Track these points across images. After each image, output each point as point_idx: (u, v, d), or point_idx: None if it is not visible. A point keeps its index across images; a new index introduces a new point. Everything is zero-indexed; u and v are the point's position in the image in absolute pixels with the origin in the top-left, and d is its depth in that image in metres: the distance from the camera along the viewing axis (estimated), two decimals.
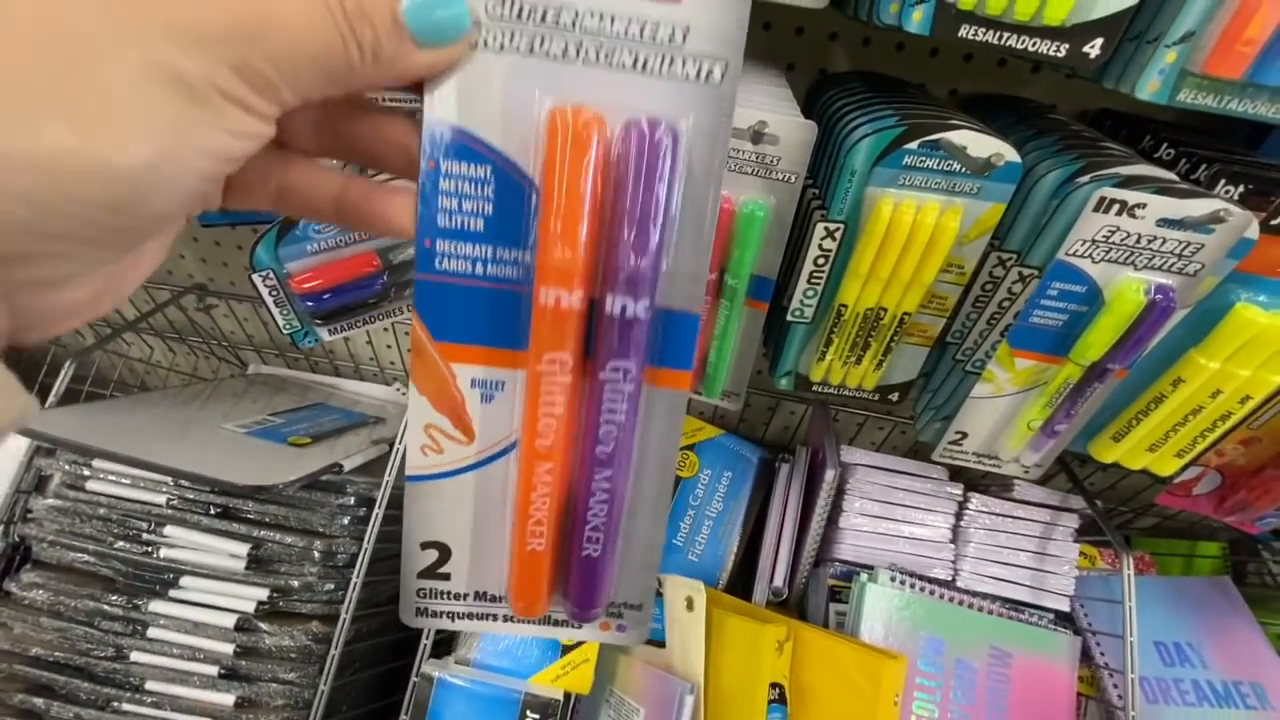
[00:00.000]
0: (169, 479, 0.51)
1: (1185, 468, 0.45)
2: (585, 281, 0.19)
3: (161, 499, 0.51)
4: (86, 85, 0.13)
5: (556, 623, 0.24)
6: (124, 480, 0.51)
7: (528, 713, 0.47)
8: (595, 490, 0.21)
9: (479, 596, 0.23)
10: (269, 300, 0.48)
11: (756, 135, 0.34)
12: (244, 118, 0.15)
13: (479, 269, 0.20)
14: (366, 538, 0.51)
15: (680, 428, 0.22)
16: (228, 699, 0.49)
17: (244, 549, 0.50)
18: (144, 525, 0.51)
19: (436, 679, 0.47)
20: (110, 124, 0.13)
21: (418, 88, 0.18)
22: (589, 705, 0.54)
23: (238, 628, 0.49)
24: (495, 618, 0.24)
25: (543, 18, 0.18)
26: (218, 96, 0.14)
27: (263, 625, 0.50)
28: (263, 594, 0.50)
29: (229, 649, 0.49)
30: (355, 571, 0.51)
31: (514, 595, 0.23)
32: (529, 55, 0.18)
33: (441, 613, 0.23)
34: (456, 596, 0.23)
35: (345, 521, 0.52)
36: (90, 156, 0.13)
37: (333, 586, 0.51)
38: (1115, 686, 0.55)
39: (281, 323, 0.49)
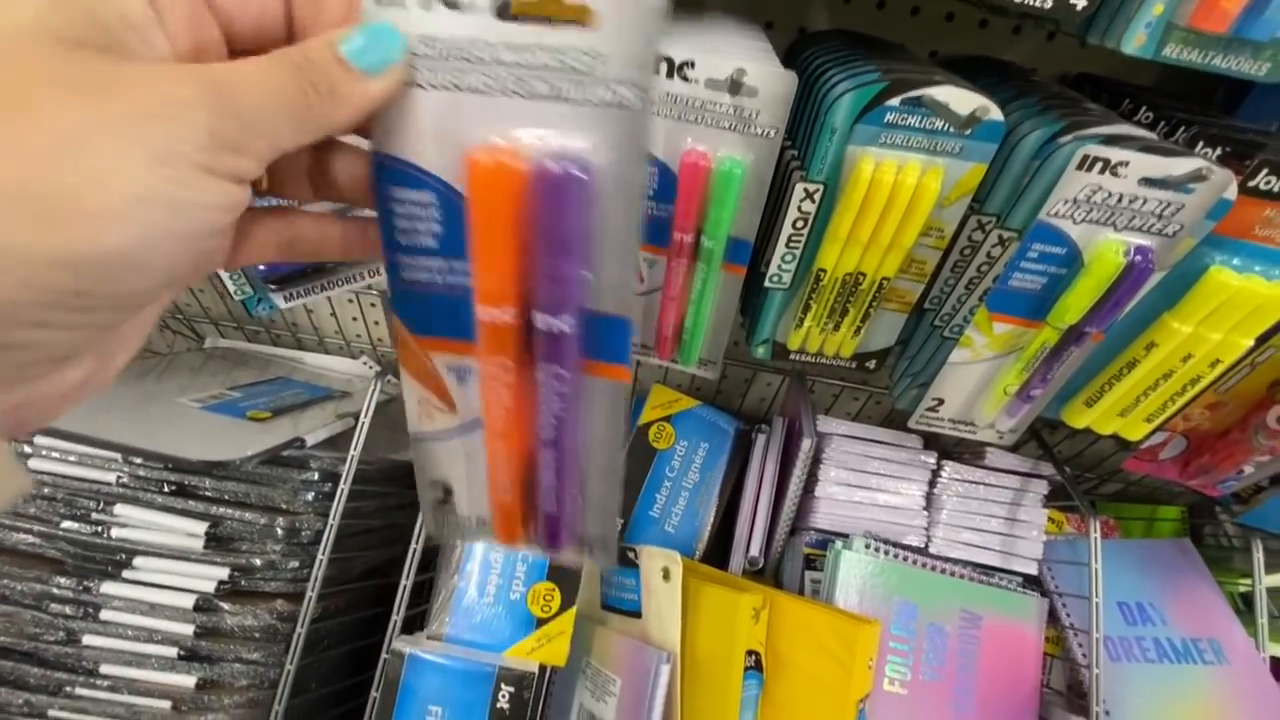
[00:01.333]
0: (118, 456, 0.49)
1: (1154, 432, 0.45)
2: (517, 299, 0.21)
3: (111, 477, 0.49)
4: (56, 179, 0.13)
5: (533, 545, 0.28)
6: (70, 458, 0.49)
7: (502, 686, 0.46)
8: (544, 465, 0.25)
9: (479, 522, 0.28)
10: None
11: (735, 85, 0.32)
12: (217, 187, 0.16)
13: (438, 279, 0.22)
14: (332, 514, 0.50)
15: (622, 409, 0.24)
16: (188, 680, 0.47)
17: (201, 527, 0.48)
18: (93, 505, 0.48)
19: (407, 655, 0.46)
20: (79, 216, 0.14)
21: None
22: (566, 677, 0.53)
23: (197, 608, 0.48)
24: (493, 537, 0.28)
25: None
26: (192, 171, 0.15)
27: (224, 605, 0.48)
28: (223, 573, 0.48)
29: (188, 630, 0.47)
30: (321, 548, 0.49)
31: (496, 531, 0.27)
32: (455, 91, 0.19)
33: (454, 531, 0.28)
34: (462, 518, 0.28)
35: (309, 497, 0.50)
36: (57, 249, 0.13)
37: (297, 564, 0.50)
38: (1080, 646, 0.56)
39: (233, 288, 0.46)
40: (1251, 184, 0.34)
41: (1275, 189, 0.34)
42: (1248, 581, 0.57)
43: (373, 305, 0.72)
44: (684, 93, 0.34)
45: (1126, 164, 0.31)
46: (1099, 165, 0.31)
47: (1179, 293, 0.38)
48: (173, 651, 0.48)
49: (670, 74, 0.33)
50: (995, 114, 0.32)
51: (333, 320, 0.74)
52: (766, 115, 0.34)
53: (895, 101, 0.34)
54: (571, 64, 0.19)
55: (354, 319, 0.74)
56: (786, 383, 0.72)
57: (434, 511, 0.28)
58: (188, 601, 0.48)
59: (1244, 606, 0.61)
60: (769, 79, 0.33)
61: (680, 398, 0.65)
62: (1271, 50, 0.30)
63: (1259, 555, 0.57)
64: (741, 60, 0.32)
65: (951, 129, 0.34)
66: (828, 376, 0.70)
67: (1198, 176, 0.30)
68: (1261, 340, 0.40)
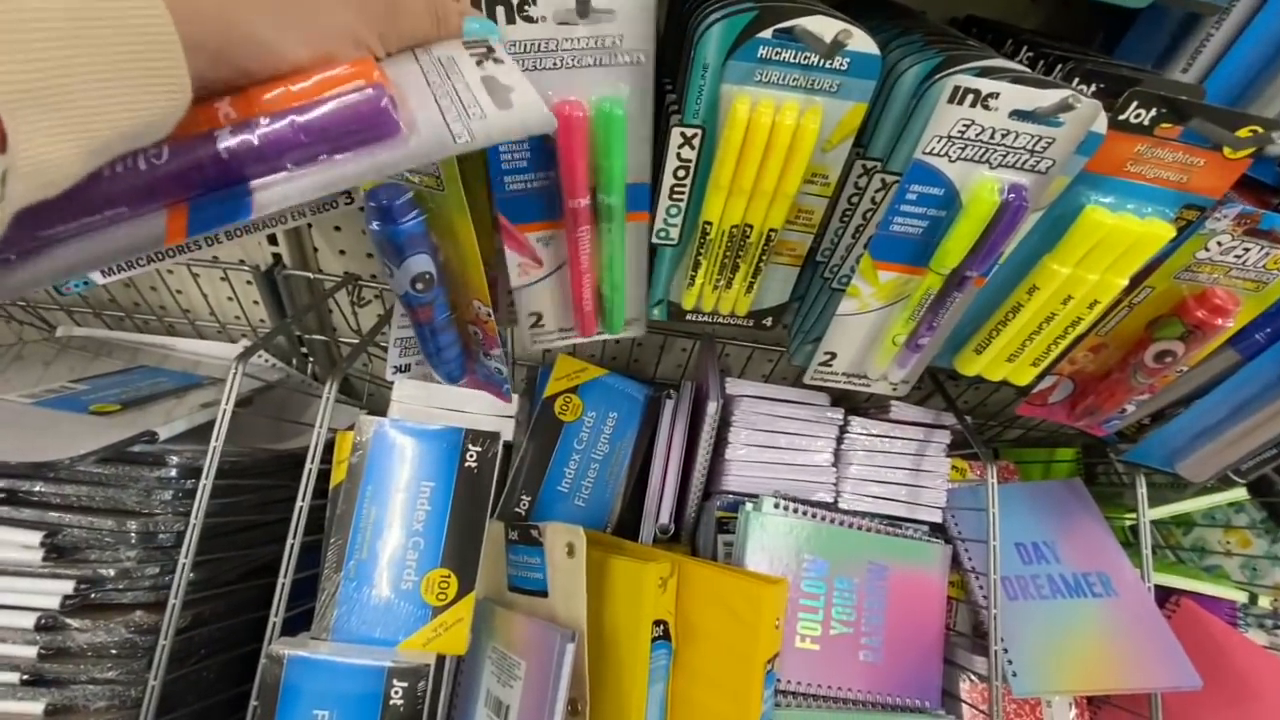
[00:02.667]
0: None
1: (1041, 376, 0.46)
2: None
3: None
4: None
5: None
6: None
7: (394, 681, 0.43)
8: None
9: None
10: None
11: (583, 7, 0.29)
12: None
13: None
14: (194, 513, 0.45)
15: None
16: (35, 708, 0.42)
17: (35, 538, 0.42)
18: None
19: (286, 657, 0.43)
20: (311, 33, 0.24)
21: None
22: (471, 664, 0.51)
23: (39, 627, 0.42)
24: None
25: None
26: (363, 49, 0.25)
27: (71, 622, 0.43)
28: (68, 587, 0.43)
29: (30, 653, 0.42)
30: (182, 551, 0.44)
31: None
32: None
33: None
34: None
35: (166, 496, 0.45)
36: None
37: (157, 570, 0.45)
38: (981, 588, 0.58)
39: None
40: (1121, 118, 0.33)
41: (1145, 122, 0.33)
42: (1134, 515, 0.60)
43: (247, 283, 0.66)
44: (530, 36, 0.31)
45: (997, 95, 0.29)
46: (970, 97, 0.30)
47: (1057, 235, 0.38)
48: (14, 677, 0.42)
49: (511, 18, 0.30)
50: (862, 41, 0.30)
51: (204, 302, 0.67)
52: (631, 39, 0.31)
53: (767, 34, 0.32)
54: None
55: (229, 299, 0.68)
56: (696, 347, 0.70)
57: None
58: (28, 621, 0.42)
59: (1132, 539, 0.64)
60: None
61: (587, 367, 0.63)
62: None
63: (1142, 490, 0.59)
64: None
65: (827, 65, 0.32)
66: (730, 338, 0.69)
67: (1065, 106, 0.29)
68: (1137, 281, 0.41)
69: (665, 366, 0.76)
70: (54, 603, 0.43)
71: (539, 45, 0.31)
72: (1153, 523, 0.71)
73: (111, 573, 0.44)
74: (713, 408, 0.54)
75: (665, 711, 0.47)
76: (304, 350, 0.71)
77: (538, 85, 0.32)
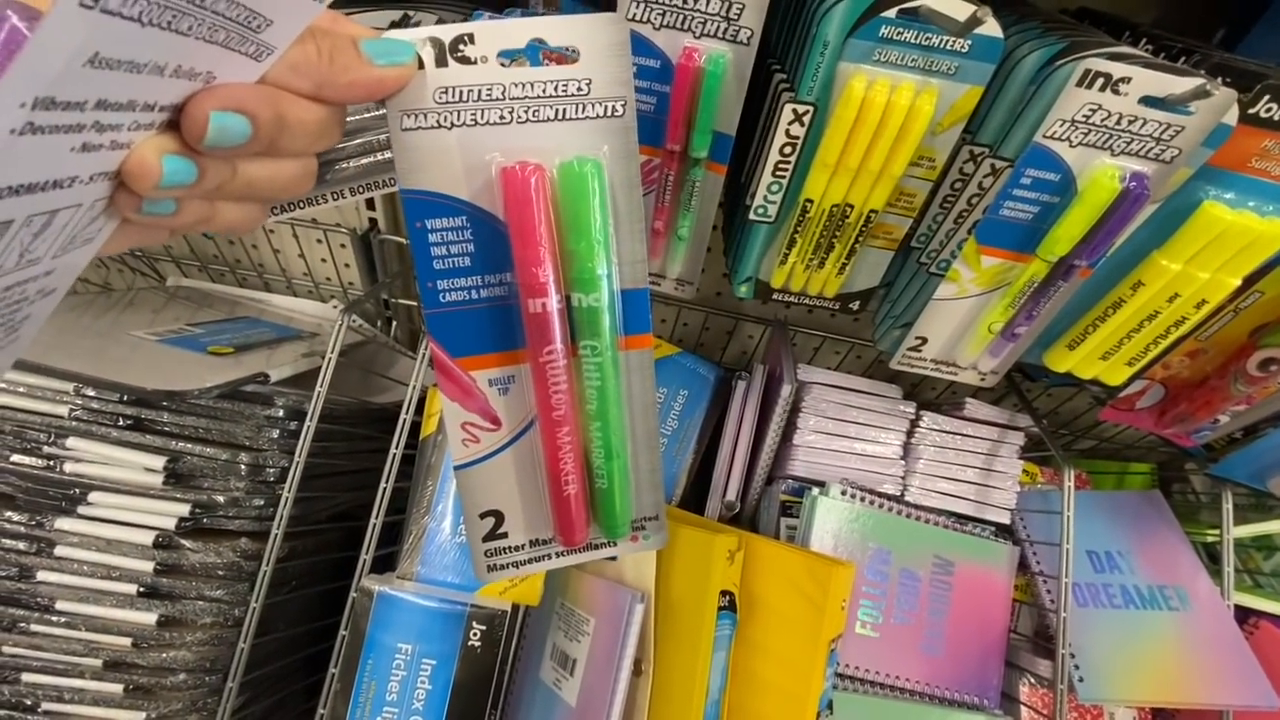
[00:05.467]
0: (70, 388, 0.46)
1: (1134, 377, 0.45)
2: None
3: (63, 409, 0.46)
4: None
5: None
6: (18, 389, 0.46)
7: (474, 624, 0.45)
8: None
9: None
10: None
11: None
12: None
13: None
14: (298, 451, 0.48)
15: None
16: (149, 617, 0.46)
17: (159, 462, 0.46)
18: (43, 437, 0.46)
19: (376, 592, 0.45)
20: None
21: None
22: (539, 617, 0.53)
23: (157, 544, 0.46)
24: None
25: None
26: None
27: (185, 542, 0.47)
28: (184, 509, 0.46)
29: (148, 566, 0.46)
30: (286, 486, 0.48)
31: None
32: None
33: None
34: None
35: (274, 434, 0.49)
36: None
37: (262, 502, 0.48)
38: (1049, 591, 0.57)
39: None
40: (1252, 111, 0.33)
41: (1276, 117, 0.33)
42: (1215, 532, 0.58)
43: (342, 246, 0.69)
44: (468, 81, 0.23)
45: (1129, 80, 0.29)
46: (1100, 81, 0.30)
47: (1169, 230, 0.37)
48: (132, 588, 0.46)
49: (442, 60, 0.22)
50: (993, 25, 0.31)
51: (301, 262, 0.71)
52: (602, 84, 0.24)
53: (891, 13, 0.32)
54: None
55: (323, 260, 0.71)
56: (768, 332, 0.71)
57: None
58: (147, 538, 0.46)
59: (1208, 560, 0.62)
60: None
61: (660, 343, 0.64)
62: None
63: (1228, 505, 0.57)
64: None
65: (948, 46, 0.33)
66: (807, 326, 0.70)
67: (1201, 93, 0.29)
68: (1249, 282, 0.40)
69: (732, 351, 0.77)
70: (170, 524, 0.47)
71: (479, 94, 0.23)
72: (1235, 541, 0.69)
73: (222, 500, 0.47)
74: (786, 391, 0.55)
75: (727, 680, 0.48)
76: (388, 312, 0.74)
77: (478, 144, 0.24)
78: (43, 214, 0.17)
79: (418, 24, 0.39)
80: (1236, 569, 0.71)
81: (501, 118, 0.23)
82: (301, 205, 0.40)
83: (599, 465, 0.27)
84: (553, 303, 0.24)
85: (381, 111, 0.41)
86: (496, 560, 0.29)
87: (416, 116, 0.23)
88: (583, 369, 0.26)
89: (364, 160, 0.40)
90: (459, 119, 0.23)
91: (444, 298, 0.25)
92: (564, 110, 0.23)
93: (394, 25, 0.38)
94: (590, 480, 0.28)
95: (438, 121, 0.23)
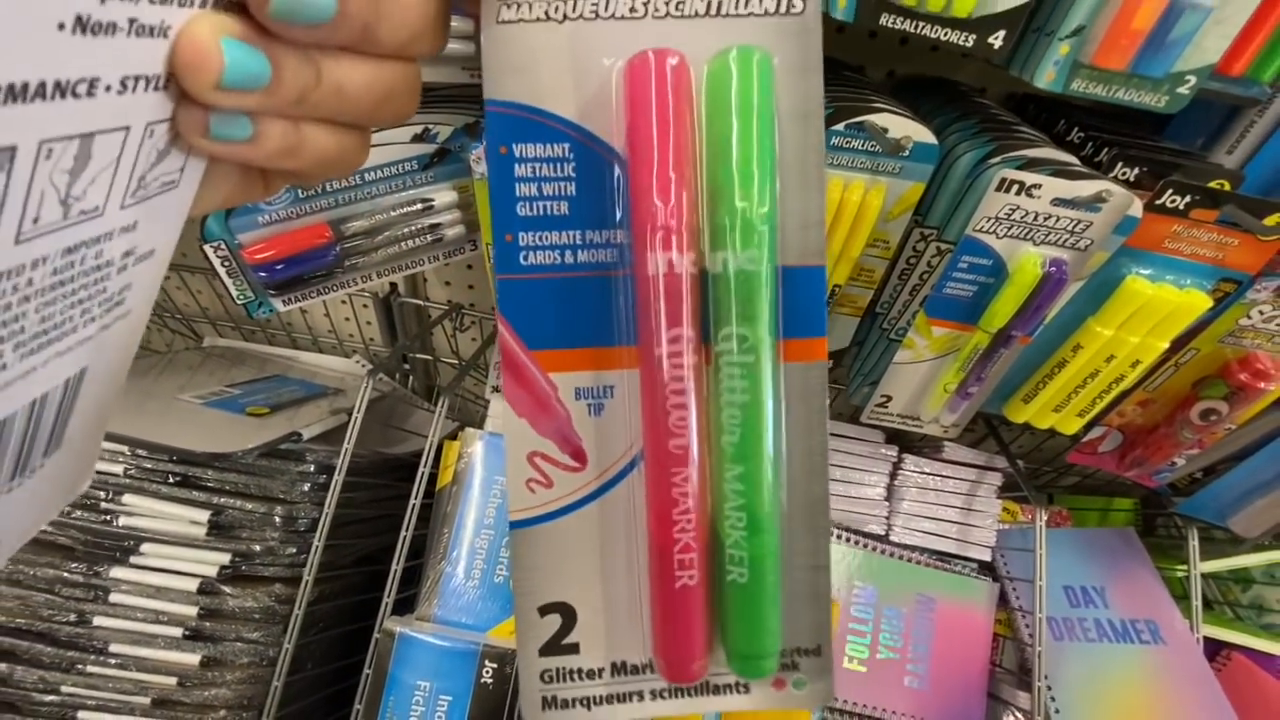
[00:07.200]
0: (126, 449, 0.52)
1: (1088, 427, 0.49)
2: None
3: (119, 468, 0.52)
4: None
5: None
6: None
7: (486, 663, 0.49)
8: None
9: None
10: (221, 271, 0.48)
11: None
12: None
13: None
14: (327, 503, 0.53)
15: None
16: (193, 658, 0.51)
17: (204, 515, 0.51)
18: (102, 494, 0.51)
19: (398, 634, 0.50)
20: None
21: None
22: None
23: (200, 591, 0.51)
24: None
25: None
26: None
27: (226, 588, 0.51)
28: (224, 558, 0.51)
29: (192, 611, 0.51)
30: (317, 535, 0.53)
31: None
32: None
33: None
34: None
35: (305, 488, 0.54)
36: None
37: (294, 550, 0.53)
38: (1027, 626, 0.60)
39: (235, 293, 0.49)
40: (1159, 202, 0.37)
41: (1180, 207, 0.37)
42: (1184, 568, 0.61)
43: (364, 306, 0.75)
44: None
45: (1040, 186, 0.34)
46: (1016, 187, 0.35)
47: (1101, 298, 0.42)
48: (178, 631, 0.51)
49: None
50: (923, 138, 0.36)
51: (326, 320, 0.77)
52: None
53: (840, 126, 0.38)
54: None
55: (346, 319, 0.77)
56: None
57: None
58: (192, 585, 0.51)
59: (1186, 592, 0.65)
60: None
61: None
62: (1168, 84, 0.34)
63: (1194, 543, 0.61)
64: None
65: (886, 151, 0.38)
66: None
67: (1100, 198, 0.34)
68: (1182, 343, 0.44)
69: None
70: (213, 571, 0.52)
71: None
72: (1212, 578, 0.72)
73: (259, 549, 0.52)
74: None
75: None
76: (406, 366, 0.80)
77: (597, 43, 0.18)
78: (64, 138, 0.11)
79: (435, 136, 0.44)
80: (1216, 601, 0.74)
81: (632, 10, 0.17)
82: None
83: (736, 541, 0.17)
84: (684, 260, 0.16)
85: (404, 210, 0.46)
86: (557, 690, 0.18)
87: (519, 6, 0.17)
88: (721, 378, 0.17)
89: (390, 249, 0.46)
90: (574, 9, 0.17)
91: (525, 258, 0.17)
92: (718, 2, 0.17)
93: (416, 139, 0.44)
94: (718, 568, 0.17)
95: (546, 11, 0.17)
